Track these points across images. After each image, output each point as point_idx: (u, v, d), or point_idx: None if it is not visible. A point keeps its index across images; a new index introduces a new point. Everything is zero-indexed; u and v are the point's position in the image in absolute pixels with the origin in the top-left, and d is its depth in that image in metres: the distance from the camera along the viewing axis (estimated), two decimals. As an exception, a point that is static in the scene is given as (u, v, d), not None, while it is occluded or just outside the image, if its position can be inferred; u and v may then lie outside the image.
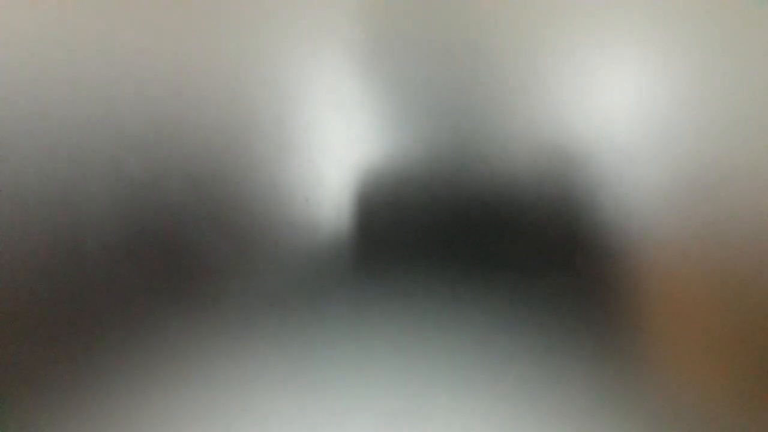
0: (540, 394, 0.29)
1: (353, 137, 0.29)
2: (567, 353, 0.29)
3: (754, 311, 0.28)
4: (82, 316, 0.28)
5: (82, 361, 0.28)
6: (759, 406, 0.28)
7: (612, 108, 0.29)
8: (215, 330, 0.29)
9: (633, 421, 0.29)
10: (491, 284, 0.29)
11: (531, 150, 0.28)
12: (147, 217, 0.28)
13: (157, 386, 0.28)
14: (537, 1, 0.29)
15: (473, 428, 0.29)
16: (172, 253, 0.28)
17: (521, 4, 0.29)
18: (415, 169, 0.29)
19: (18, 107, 0.28)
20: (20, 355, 0.28)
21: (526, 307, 0.29)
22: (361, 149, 0.29)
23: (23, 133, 0.28)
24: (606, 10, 0.29)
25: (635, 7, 0.29)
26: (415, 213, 0.28)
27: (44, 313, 0.28)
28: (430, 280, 0.29)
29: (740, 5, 0.29)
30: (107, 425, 0.28)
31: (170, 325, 0.28)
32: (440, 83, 0.29)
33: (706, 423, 0.28)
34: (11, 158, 0.28)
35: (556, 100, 0.29)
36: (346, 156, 0.29)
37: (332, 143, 0.29)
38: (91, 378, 0.28)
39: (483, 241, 0.28)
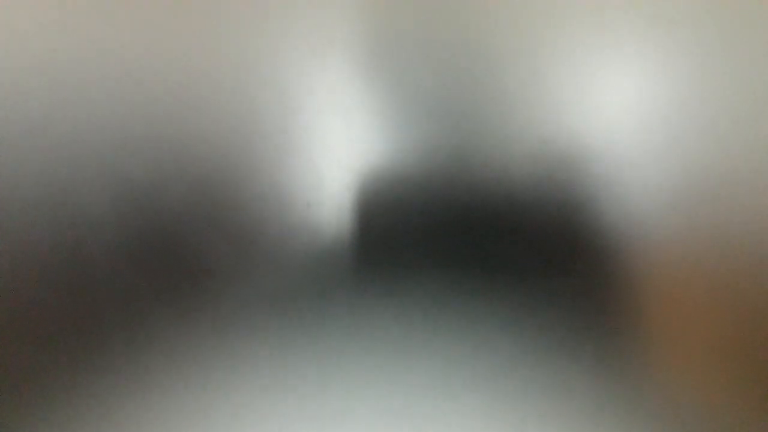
0: (541, 396, 0.29)
1: (354, 140, 0.29)
2: (568, 355, 0.29)
3: (757, 314, 0.28)
4: (83, 317, 0.28)
5: (83, 363, 0.28)
6: (761, 409, 0.28)
7: (613, 110, 0.28)
8: (216, 332, 0.29)
9: (635, 423, 0.29)
10: (492, 287, 0.29)
11: (532, 152, 0.28)
12: (148, 220, 0.28)
13: (157, 387, 0.29)
14: (538, 2, 0.29)
15: (474, 430, 0.29)
16: (173, 256, 0.28)
17: (522, 5, 0.29)
18: (416, 172, 0.28)
19: (19, 109, 0.28)
20: (21, 356, 0.28)
21: (527, 308, 0.29)
22: (362, 152, 0.29)
23: (24, 136, 0.28)
24: (607, 13, 0.29)
25: (636, 8, 0.29)
26: (415, 216, 0.28)
27: (45, 315, 0.28)
28: (430, 282, 0.29)
29: (741, 6, 0.28)
30: (108, 426, 0.28)
31: (171, 327, 0.28)
32: (442, 86, 0.28)
33: (708, 425, 0.29)
34: (12, 160, 0.28)
35: (557, 102, 0.28)
36: (347, 159, 0.29)
37: (333, 146, 0.29)
38: (92, 379, 0.28)
39: (484, 243, 0.28)
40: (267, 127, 0.28)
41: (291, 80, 0.29)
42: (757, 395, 0.28)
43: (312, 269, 0.29)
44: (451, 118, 0.28)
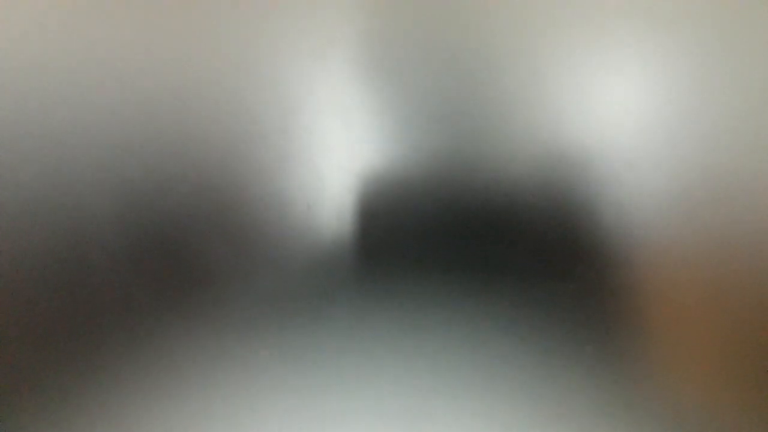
0: (541, 397, 0.29)
1: (354, 142, 0.29)
2: (569, 357, 0.29)
3: (756, 317, 0.28)
4: (84, 319, 0.28)
5: (84, 364, 0.28)
6: (762, 412, 0.28)
7: (613, 112, 0.28)
8: (217, 333, 0.29)
9: (635, 425, 0.29)
10: (492, 289, 0.29)
11: (533, 156, 0.28)
12: (148, 222, 0.28)
13: (158, 388, 0.29)
14: (539, 6, 0.29)
15: (474, 431, 0.29)
16: (174, 259, 0.28)
17: (522, 7, 0.29)
18: (416, 173, 0.28)
19: (19, 111, 0.28)
20: (23, 359, 0.28)
21: (528, 310, 0.29)
22: (363, 155, 0.29)
23: (25, 138, 0.28)
24: (607, 14, 0.29)
25: (636, 10, 0.29)
26: (416, 219, 0.28)
27: (46, 316, 0.28)
28: (431, 285, 0.29)
29: (741, 6, 0.28)
30: (109, 427, 0.28)
31: (172, 329, 0.28)
32: (442, 88, 0.28)
33: (709, 426, 0.28)
34: (13, 161, 0.28)
35: (557, 104, 0.28)
36: (348, 162, 0.29)
37: (334, 148, 0.29)
38: (93, 380, 0.28)
39: (484, 246, 0.28)
40: (267, 128, 0.28)
41: (291, 82, 0.29)
42: (758, 396, 0.28)
43: (312, 271, 0.29)
44: (451, 120, 0.28)
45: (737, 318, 0.28)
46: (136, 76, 0.28)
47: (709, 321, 0.28)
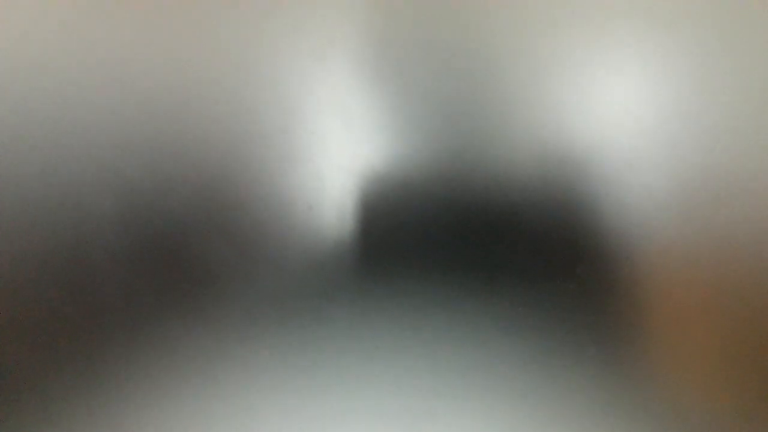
0: (542, 398, 0.29)
1: (356, 142, 0.29)
2: (569, 358, 0.29)
3: (758, 318, 0.28)
4: (86, 319, 0.28)
5: (85, 364, 0.28)
6: (763, 412, 0.28)
7: (614, 112, 0.28)
8: (218, 334, 0.29)
9: (637, 425, 0.29)
10: (493, 288, 0.29)
11: (533, 155, 0.28)
12: (150, 223, 0.28)
13: (159, 389, 0.29)
14: (539, 6, 0.29)
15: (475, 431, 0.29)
16: (175, 260, 0.28)
17: (523, 7, 0.29)
18: (417, 174, 0.29)
19: (20, 112, 0.28)
20: (24, 359, 0.28)
21: (529, 311, 0.29)
22: (364, 156, 0.29)
23: (26, 138, 0.28)
24: (608, 14, 0.29)
25: (636, 10, 0.29)
26: (418, 220, 0.28)
27: (47, 317, 0.28)
28: (432, 286, 0.29)
29: (741, 6, 0.28)
30: (109, 427, 0.28)
31: (173, 330, 0.28)
32: (443, 88, 0.28)
33: (710, 427, 0.29)
34: (14, 162, 0.28)
35: (558, 105, 0.29)
36: (350, 163, 0.29)
37: (335, 148, 0.29)
38: (94, 380, 0.28)
39: (485, 246, 0.28)
40: (268, 128, 0.28)
41: (292, 82, 0.29)
42: (759, 396, 0.28)
43: (314, 271, 0.29)
44: (452, 121, 0.28)
45: (738, 318, 0.28)
46: (136, 76, 0.28)
47: (710, 321, 0.28)
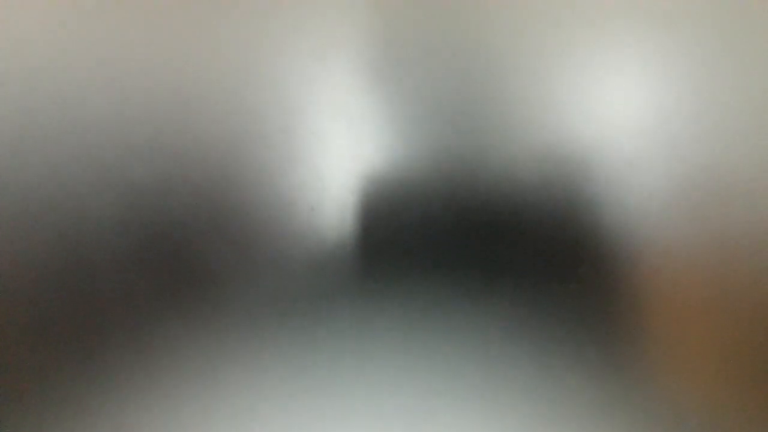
0: (542, 398, 0.29)
1: (357, 144, 0.29)
2: (570, 359, 0.29)
3: (758, 318, 0.28)
4: (87, 320, 0.28)
5: (86, 364, 0.28)
6: (763, 412, 0.29)
7: (615, 112, 0.29)
8: (220, 335, 0.29)
9: (637, 426, 0.29)
10: (495, 290, 0.29)
11: (535, 155, 0.28)
12: (151, 224, 0.28)
13: (160, 389, 0.29)
14: (539, 6, 0.29)
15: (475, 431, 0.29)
16: (177, 261, 0.28)
17: (524, 8, 0.29)
18: (419, 175, 0.28)
19: (21, 112, 0.28)
20: (24, 359, 0.28)
21: (530, 311, 0.29)
22: (366, 158, 0.29)
23: (27, 139, 0.28)
24: (609, 15, 0.29)
25: (637, 10, 0.29)
26: (419, 219, 0.28)
27: (48, 317, 0.28)
28: (433, 287, 0.29)
29: (741, 6, 0.29)
30: (110, 428, 0.28)
31: (174, 331, 0.28)
32: (444, 91, 0.28)
33: (711, 428, 0.29)
34: (15, 163, 0.28)
35: (560, 105, 0.29)
36: (351, 163, 0.29)
37: (336, 150, 0.29)
38: (95, 381, 0.28)
39: (487, 248, 0.28)
40: (269, 129, 0.28)
41: (293, 83, 0.29)
42: (760, 396, 0.29)
43: (315, 273, 0.29)
44: (453, 121, 0.28)
45: (739, 318, 0.28)
46: (137, 76, 0.28)
47: (710, 321, 0.28)
